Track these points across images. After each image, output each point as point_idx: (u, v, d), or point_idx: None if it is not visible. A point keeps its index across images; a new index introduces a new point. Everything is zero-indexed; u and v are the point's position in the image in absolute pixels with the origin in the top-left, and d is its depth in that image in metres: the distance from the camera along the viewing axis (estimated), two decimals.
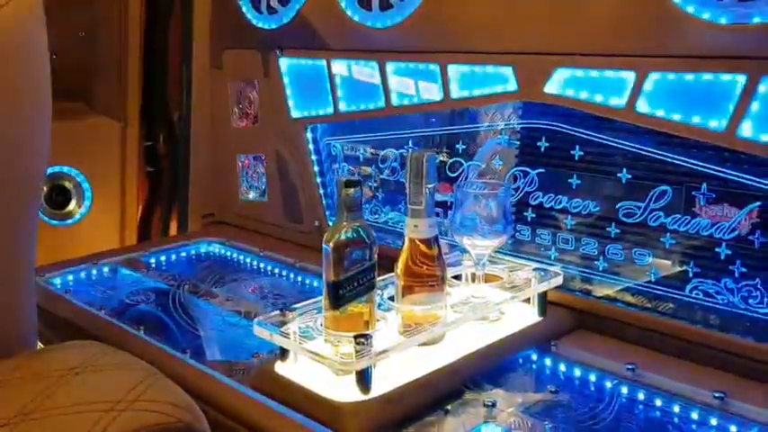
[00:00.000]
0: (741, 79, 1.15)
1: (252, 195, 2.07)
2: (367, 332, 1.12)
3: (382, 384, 1.13)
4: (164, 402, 0.82)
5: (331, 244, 1.14)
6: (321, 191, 1.88)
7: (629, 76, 1.27)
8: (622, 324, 1.36)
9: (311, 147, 1.87)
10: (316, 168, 1.87)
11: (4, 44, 0.91)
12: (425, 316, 1.25)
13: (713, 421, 1.13)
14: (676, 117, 1.24)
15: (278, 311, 1.21)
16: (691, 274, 1.29)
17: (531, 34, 1.39)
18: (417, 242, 1.24)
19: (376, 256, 1.16)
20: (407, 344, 1.19)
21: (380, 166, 1.75)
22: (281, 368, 1.19)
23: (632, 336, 1.35)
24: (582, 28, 1.33)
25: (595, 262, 1.41)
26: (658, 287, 1.33)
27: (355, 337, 1.10)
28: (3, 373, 0.84)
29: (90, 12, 2.18)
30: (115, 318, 1.53)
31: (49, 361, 0.89)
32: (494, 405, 1.16)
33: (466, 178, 1.58)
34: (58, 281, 1.77)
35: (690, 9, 1.18)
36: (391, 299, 1.30)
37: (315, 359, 1.12)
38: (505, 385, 1.24)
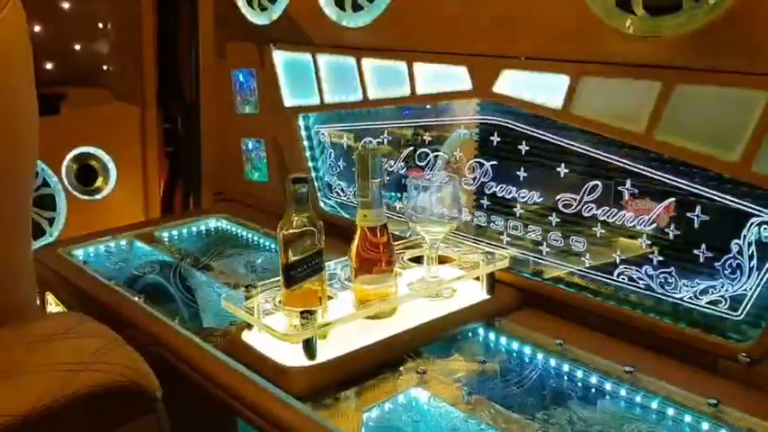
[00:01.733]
0: (657, 86, 1.27)
1: (256, 176, 2.26)
2: (312, 308, 1.29)
3: (333, 351, 1.31)
4: (120, 365, 1.01)
5: (282, 232, 1.31)
6: (313, 174, 2.05)
7: (565, 80, 1.39)
8: (561, 304, 1.51)
9: (303, 133, 2.04)
10: (307, 153, 2.04)
11: None
12: (377, 293, 1.42)
13: (623, 392, 1.27)
14: (604, 119, 1.36)
15: (243, 288, 1.40)
16: (618, 261, 1.41)
17: (483, 38, 1.52)
18: (366, 230, 1.40)
19: (323, 242, 1.33)
20: (352, 317, 1.36)
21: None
22: (246, 336, 1.38)
23: (569, 314, 1.49)
24: (525, 34, 1.45)
25: (540, 247, 1.54)
26: (591, 271, 1.46)
27: (301, 313, 1.28)
28: (5, 336, 1.04)
29: (108, 5, 2.37)
30: (122, 287, 1.74)
31: (33, 328, 1.10)
32: (425, 372, 1.32)
33: (432, 167, 1.72)
34: (79, 252, 1.99)
35: (610, 20, 1.29)
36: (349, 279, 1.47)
37: (267, 331, 1.30)
38: (444, 355, 1.40)
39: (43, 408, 0.90)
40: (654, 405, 1.23)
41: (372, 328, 1.40)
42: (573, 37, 1.37)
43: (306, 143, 2.04)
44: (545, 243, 1.53)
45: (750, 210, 1.21)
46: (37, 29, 2.32)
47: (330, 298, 1.40)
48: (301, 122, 2.03)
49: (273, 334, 1.29)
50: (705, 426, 1.18)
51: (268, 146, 2.17)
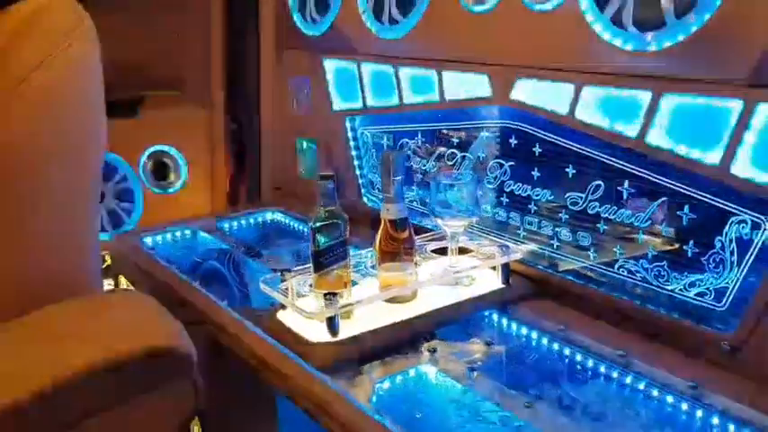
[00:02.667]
0: (647, 95, 1.38)
1: (309, 174, 2.46)
2: (335, 291, 1.47)
3: (356, 330, 1.49)
4: (160, 333, 1.22)
5: (311, 223, 1.50)
6: (357, 171, 2.23)
7: (570, 88, 1.52)
8: (569, 293, 1.63)
9: (350, 134, 2.22)
10: (353, 153, 2.22)
11: (67, 85, 1.31)
12: (398, 280, 1.59)
13: (614, 374, 1.40)
14: (604, 123, 1.48)
15: (279, 273, 1.59)
16: (618, 255, 1.53)
17: (501, 49, 1.66)
18: (389, 222, 1.57)
19: (347, 233, 1.51)
20: (371, 299, 1.53)
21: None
22: (281, 315, 1.58)
23: (575, 303, 1.61)
24: (537, 46, 1.58)
25: (552, 241, 1.68)
26: (596, 264, 1.59)
27: (325, 295, 1.46)
28: (64, 307, 1.26)
29: (182, 17, 2.63)
30: (183, 271, 1.96)
31: (92, 300, 1.32)
32: (435, 351, 1.48)
33: (460, 166, 1.87)
34: (149, 240, 2.24)
35: (606, 36, 1.41)
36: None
37: (296, 310, 1.49)
38: (457, 337, 1.56)
39: (92, 365, 1.11)
40: (641, 386, 1.36)
41: (394, 311, 1.57)
42: (576, 50, 1.50)
43: (352, 143, 2.22)
44: (555, 238, 1.66)
45: (730, 209, 1.32)
46: (121, 39, 2.59)
47: (355, 283, 1.58)
48: (348, 124, 2.22)
49: (301, 313, 1.48)
50: (684, 406, 1.29)
51: (320, 145, 2.37)
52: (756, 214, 1.28)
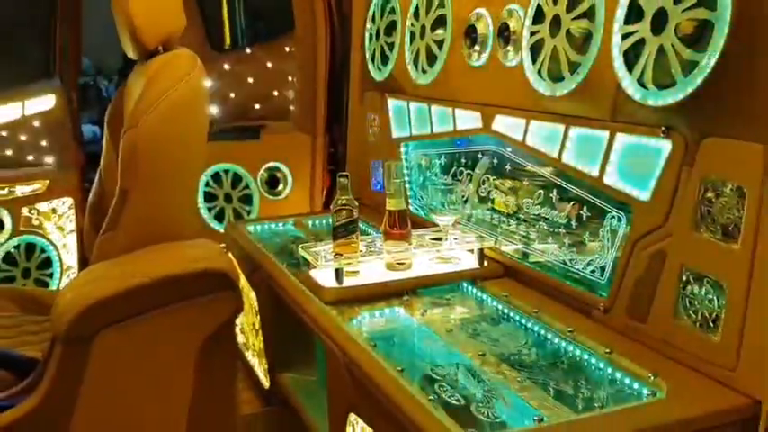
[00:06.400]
0: (561, 127, 1.95)
1: (378, 187, 3.15)
2: (340, 252, 2.15)
3: (358, 282, 2.15)
4: (217, 261, 1.95)
5: (332, 207, 2.19)
6: (408, 185, 2.89)
7: (523, 122, 2.11)
8: (522, 273, 2.19)
9: (404, 157, 2.90)
10: (405, 171, 2.89)
11: (188, 103, 2.09)
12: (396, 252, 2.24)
13: (528, 324, 1.95)
14: (540, 147, 2.05)
15: (312, 241, 2.29)
16: (549, 244, 2.08)
17: (487, 93, 2.28)
18: (389, 212, 2.23)
19: (356, 213, 2.18)
20: (366, 261, 2.19)
21: (430, 170, 2.72)
22: (313, 272, 2.26)
23: (526, 280, 2.17)
24: (505, 95, 2.19)
25: (515, 235, 2.24)
26: (539, 251, 2.14)
27: (334, 255, 2.14)
28: (166, 245, 2.03)
29: (294, 65, 3.46)
30: (264, 247, 2.70)
31: (184, 243, 2.07)
32: (408, 299, 2.10)
33: (467, 181, 2.49)
34: (251, 228, 3.02)
35: (535, 84, 2.00)
36: None
37: (315, 263, 2.18)
38: (429, 294, 2.16)
39: (170, 275, 1.85)
40: (541, 332, 1.89)
41: (390, 275, 2.22)
42: (524, 97, 2.09)
43: (405, 163, 2.90)
44: (517, 233, 2.23)
45: (606, 208, 1.85)
46: (250, 80, 3.47)
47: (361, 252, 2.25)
48: (402, 149, 2.90)
49: (317, 265, 2.17)
50: (563, 344, 1.82)
51: (384, 166, 3.06)
52: (619, 212, 1.81)
